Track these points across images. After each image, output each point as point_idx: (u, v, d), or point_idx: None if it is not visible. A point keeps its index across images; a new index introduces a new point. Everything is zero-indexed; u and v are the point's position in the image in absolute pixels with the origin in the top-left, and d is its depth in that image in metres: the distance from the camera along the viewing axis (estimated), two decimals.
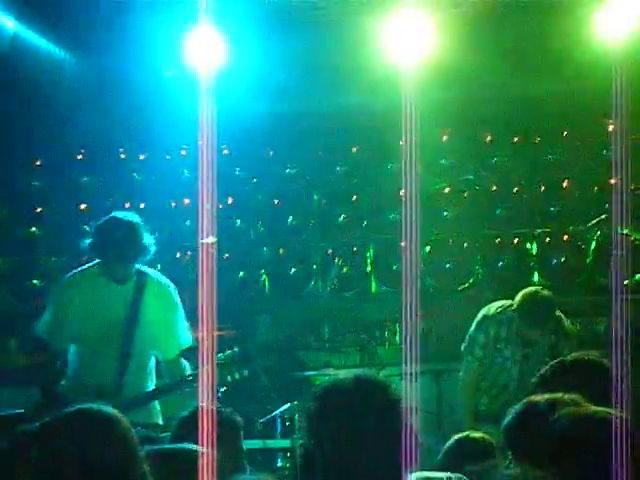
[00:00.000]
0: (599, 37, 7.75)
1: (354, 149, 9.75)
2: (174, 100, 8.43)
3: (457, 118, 9.33)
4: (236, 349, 6.10)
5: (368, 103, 9.11)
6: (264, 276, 9.51)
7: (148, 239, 6.02)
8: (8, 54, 8.19)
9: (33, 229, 9.73)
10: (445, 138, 9.65)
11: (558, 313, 7.00)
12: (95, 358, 5.99)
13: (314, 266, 9.51)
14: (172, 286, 6.23)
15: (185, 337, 6.15)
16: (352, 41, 8.12)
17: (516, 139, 9.69)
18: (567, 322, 7.10)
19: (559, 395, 3.27)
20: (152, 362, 6.12)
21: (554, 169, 9.65)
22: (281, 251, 9.59)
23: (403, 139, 9.58)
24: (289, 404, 7.15)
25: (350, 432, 2.69)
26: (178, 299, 6.17)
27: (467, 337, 7.13)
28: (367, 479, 2.67)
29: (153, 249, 6.04)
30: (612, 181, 9.48)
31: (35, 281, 9.66)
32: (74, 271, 6.30)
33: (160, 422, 6.02)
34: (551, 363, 4.29)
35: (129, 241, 5.94)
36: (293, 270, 9.58)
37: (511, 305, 6.97)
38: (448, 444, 4.41)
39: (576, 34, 8.07)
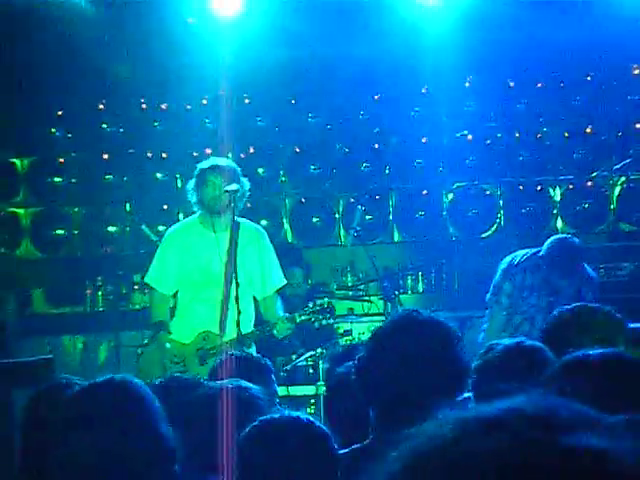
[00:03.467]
0: None
1: (376, 96, 9.68)
2: (196, 48, 8.40)
3: (480, 63, 9.24)
4: (326, 299, 6.59)
5: (390, 48, 9.03)
6: (286, 225, 9.51)
7: (243, 183, 6.44)
8: (30, 4, 8.16)
9: (56, 179, 9.75)
10: (468, 84, 9.57)
11: (583, 258, 6.98)
12: (200, 302, 6.44)
13: (336, 215, 9.50)
14: (263, 230, 6.72)
15: (279, 277, 6.62)
16: None
17: (539, 84, 9.59)
18: (589, 267, 7.08)
19: None
20: (252, 304, 6.48)
21: (578, 114, 9.56)
22: (303, 200, 9.59)
23: (425, 86, 9.56)
24: (312, 352, 7.18)
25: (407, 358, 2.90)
26: (269, 242, 6.62)
27: (492, 286, 7.09)
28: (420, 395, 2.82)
29: (247, 193, 6.48)
30: (638, 125, 9.41)
31: (59, 231, 9.71)
32: (174, 226, 6.83)
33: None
34: (551, 316, 4.28)
35: (220, 170, 6.42)
36: (315, 219, 9.58)
37: (537, 252, 6.93)
38: None
39: None
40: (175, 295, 6.63)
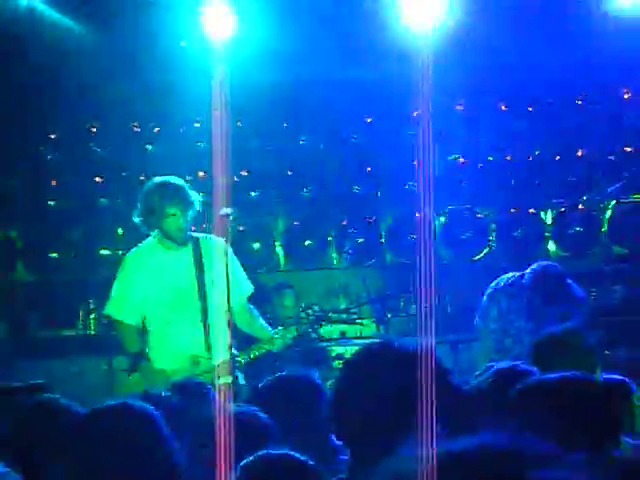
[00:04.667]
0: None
1: (368, 119, 9.72)
2: (188, 71, 8.43)
3: (472, 87, 9.29)
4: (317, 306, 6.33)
5: (383, 72, 9.08)
6: (279, 248, 9.53)
7: (193, 195, 6.24)
8: (22, 26, 8.19)
9: (49, 202, 9.76)
10: (460, 107, 9.61)
11: (569, 281, 7.01)
12: (174, 324, 6.16)
13: (329, 238, 9.52)
14: (222, 241, 6.39)
15: (247, 285, 6.42)
16: (366, 9, 8.08)
17: (531, 108, 9.64)
18: (577, 289, 7.10)
19: None
20: (227, 317, 6.24)
21: (569, 138, 9.61)
22: (296, 223, 9.60)
23: (418, 109, 9.60)
24: None
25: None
26: (231, 251, 6.35)
27: (480, 310, 7.14)
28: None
29: (199, 205, 6.25)
30: (628, 149, 9.47)
31: (53, 254, 9.70)
32: (133, 249, 6.48)
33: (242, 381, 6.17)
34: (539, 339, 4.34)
35: (177, 198, 6.16)
36: (308, 242, 9.60)
37: (521, 276, 6.97)
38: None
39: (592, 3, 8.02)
40: (143, 322, 6.31)
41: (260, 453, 2.87)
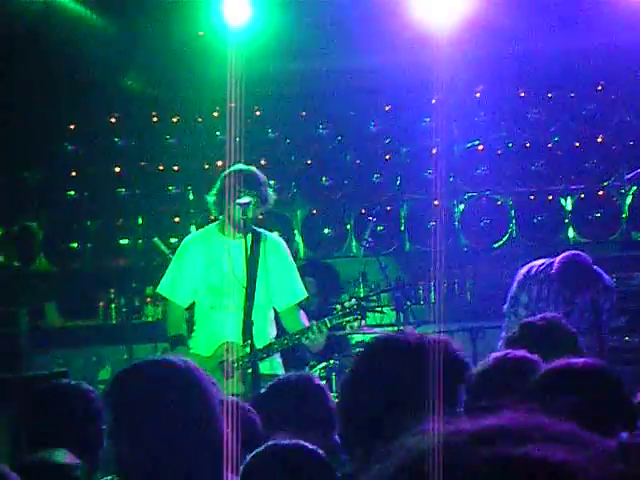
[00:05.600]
0: None
1: (387, 107, 9.71)
2: (206, 61, 8.43)
3: (490, 74, 9.25)
4: (354, 300, 6.30)
5: (401, 60, 9.05)
6: (298, 237, 9.54)
7: (267, 189, 6.27)
8: (41, 18, 8.21)
9: (70, 192, 9.81)
10: (478, 95, 9.58)
11: (597, 269, 6.99)
12: (219, 310, 6.23)
13: (348, 226, 9.52)
14: (284, 242, 6.52)
15: (300, 289, 6.41)
16: None
17: (550, 94, 9.60)
18: (606, 277, 7.08)
19: None
20: (272, 314, 6.32)
21: (588, 124, 9.57)
22: (315, 211, 9.61)
23: (436, 96, 9.59)
24: (325, 363, 7.18)
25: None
26: (290, 255, 6.45)
27: (509, 297, 7.09)
28: None
29: (272, 199, 6.30)
30: None
31: (72, 244, 9.75)
32: (193, 234, 6.62)
33: (281, 373, 6.18)
34: (520, 324, 4.37)
35: (251, 188, 6.15)
36: (327, 230, 9.60)
37: (552, 263, 6.94)
38: None
39: None
40: (191, 307, 6.42)
41: (270, 443, 2.89)
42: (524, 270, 7.07)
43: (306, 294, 6.49)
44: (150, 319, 9.22)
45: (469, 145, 9.53)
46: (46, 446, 3.17)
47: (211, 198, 6.33)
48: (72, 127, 9.81)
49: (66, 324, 9.48)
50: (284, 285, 6.33)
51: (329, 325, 6.13)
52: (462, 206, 9.53)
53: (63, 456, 3.10)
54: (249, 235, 6.18)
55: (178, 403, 2.76)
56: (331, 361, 7.13)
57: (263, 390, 4.06)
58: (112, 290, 9.59)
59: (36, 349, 8.91)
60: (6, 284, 9.41)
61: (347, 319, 6.24)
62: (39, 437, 3.39)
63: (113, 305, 9.53)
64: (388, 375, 2.63)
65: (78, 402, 3.54)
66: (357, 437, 2.67)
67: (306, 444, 2.89)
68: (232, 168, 6.32)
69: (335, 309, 6.23)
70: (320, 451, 2.89)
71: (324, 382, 7.04)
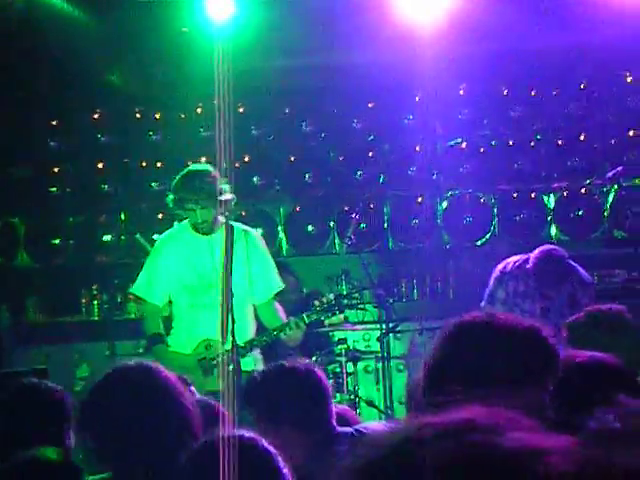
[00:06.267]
0: None
1: (370, 104, 9.71)
2: (190, 57, 8.42)
3: (473, 72, 9.27)
4: (331, 295, 6.40)
5: (384, 57, 9.06)
6: (281, 233, 9.53)
7: (224, 185, 6.22)
8: (24, 14, 8.18)
9: (52, 189, 9.77)
10: (461, 92, 9.60)
11: (573, 264, 7.03)
12: (197, 308, 6.25)
13: (331, 223, 9.53)
14: (257, 233, 6.55)
15: (275, 280, 6.43)
16: None
17: (533, 92, 9.63)
18: (583, 272, 7.12)
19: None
20: (250, 309, 6.32)
21: (571, 122, 9.60)
22: (298, 208, 9.61)
23: (419, 94, 9.60)
24: (308, 360, 7.18)
25: None
26: (264, 245, 6.46)
27: (487, 294, 7.14)
28: None
29: (231, 195, 6.22)
30: (630, 133, 9.45)
31: (54, 241, 9.72)
32: (166, 232, 6.63)
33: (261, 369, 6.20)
34: (580, 315, 4.38)
35: (209, 188, 6.15)
36: (310, 227, 9.60)
37: (527, 259, 6.98)
38: None
39: None
40: (168, 305, 6.47)
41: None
42: (500, 266, 7.13)
43: (282, 285, 6.49)
44: (132, 316, 9.19)
45: (452, 143, 9.54)
46: (14, 447, 3.17)
47: (170, 200, 6.30)
48: (55, 123, 9.77)
49: (48, 320, 9.45)
50: (260, 278, 6.34)
51: (307, 321, 6.15)
52: (445, 203, 9.55)
53: (54, 453, 3.11)
54: (221, 230, 6.17)
55: (154, 405, 2.89)
56: (313, 358, 7.13)
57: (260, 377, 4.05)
58: (94, 286, 9.56)
59: (17, 345, 8.88)
60: None
61: (325, 315, 6.26)
62: (6, 437, 3.40)
63: (95, 301, 9.50)
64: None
65: (44, 402, 3.56)
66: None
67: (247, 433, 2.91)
68: (185, 170, 6.32)
69: (314, 305, 6.24)
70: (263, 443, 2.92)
71: None
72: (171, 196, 6.31)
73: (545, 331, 2.58)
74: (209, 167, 6.34)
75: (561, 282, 6.89)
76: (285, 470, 2.63)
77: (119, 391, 2.97)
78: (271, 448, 2.65)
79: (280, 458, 2.65)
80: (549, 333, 2.59)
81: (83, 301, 9.52)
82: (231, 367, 5.87)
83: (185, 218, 6.44)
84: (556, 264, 6.87)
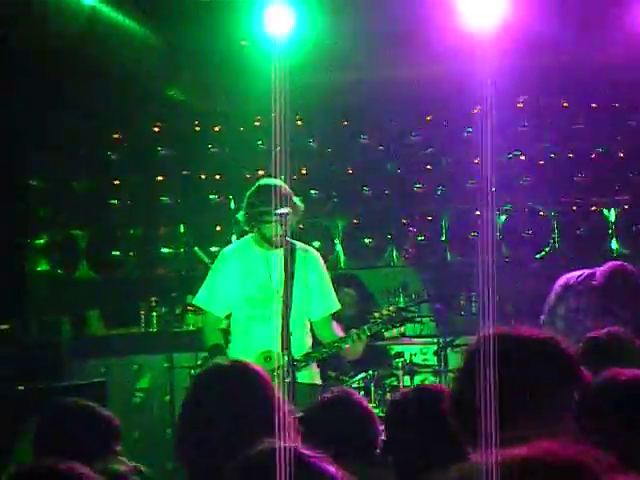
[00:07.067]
0: None
1: (428, 117, 9.68)
2: (248, 70, 8.47)
3: (533, 84, 9.19)
4: (392, 306, 6.40)
5: (443, 70, 9.02)
6: (338, 246, 9.53)
7: (295, 200, 6.28)
8: (87, 30, 8.29)
9: (113, 201, 9.89)
10: (521, 105, 9.52)
11: None
12: (257, 321, 6.30)
13: (389, 236, 9.50)
14: (317, 253, 6.54)
15: (333, 301, 6.46)
16: (427, 7, 8.04)
17: (594, 105, 9.52)
18: None
19: None
20: (308, 324, 6.35)
21: (631, 135, 9.47)
22: (355, 221, 9.60)
23: (478, 107, 9.53)
24: (364, 373, 7.16)
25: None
26: (323, 265, 6.48)
27: (547, 309, 7.01)
28: None
29: (302, 210, 6.32)
30: None
31: (115, 253, 9.82)
32: (230, 245, 6.70)
33: (318, 382, 6.23)
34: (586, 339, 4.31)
35: (284, 201, 6.14)
36: (367, 240, 9.59)
37: (590, 274, 6.84)
38: None
39: None
40: (228, 317, 6.53)
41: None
42: (561, 281, 6.98)
43: (338, 306, 6.50)
44: (191, 327, 9.25)
45: (511, 155, 9.47)
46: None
47: (241, 216, 6.38)
48: (116, 136, 9.89)
49: (107, 332, 9.54)
50: (319, 296, 6.37)
51: (368, 333, 6.14)
52: (504, 217, 9.47)
53: (121, 465, 3.15)
54: (285, 247, 6.20)
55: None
56: (370, 371, 7.10)
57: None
58: (153, 298, 9.64)
59: (77, 357, 8.96)
60: (49, 291, 9.51)
61: (385, 327, 6.24)
62: (52, 453, 3.44)
63: (154, 313, 9.57)
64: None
65: (89, 424, 3.60)
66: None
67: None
68: (257, 183, 6.38)
69: (373, 317, 6.23)
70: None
71: (362, 393, 7.06)
72: (245, 209, 6.35)
73: (564, 342, 2.53)
74: (281, 181, 6.34)
75: (630, 300, 6.73)
76: None
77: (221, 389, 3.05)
78: (332, 467, 2.63)
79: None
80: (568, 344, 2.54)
81: (142, 313, 9.59)
82: (288, 380, 5.88)
83: (247, 233, 6.48)
84: (626, 282, 6.72)
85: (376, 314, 6.27)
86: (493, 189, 9.62)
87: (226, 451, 2.84)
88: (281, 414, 2.94)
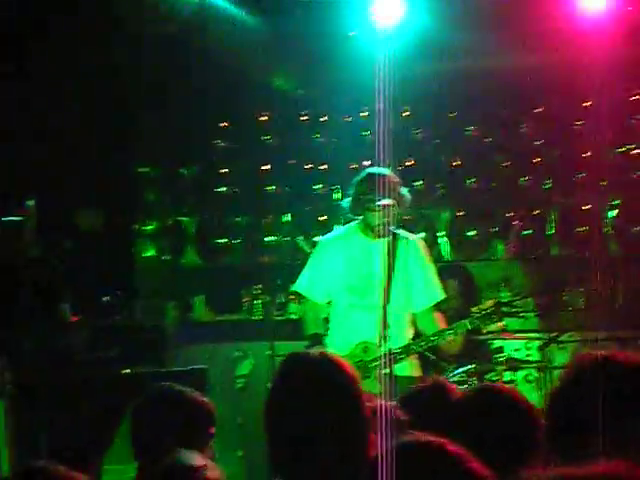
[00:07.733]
0: None
1: (538, 109, 9.51)
2: (355, 60, 8.45)
3: None
4: (491, 301, 6.36)
5: (554, 61, 8.85)
6: (442, 238, 9.46)
7: (403, 191, 6.28)
8: (195, 18, 8.40)
9: (221, 189, 10.01)
10: (633, 98, 9.28)
11: None
12: (358, 309, 6.28)
13: (493, 229, 9.38)
14: (423, 243, 6.51)
15: (436, 291, 6.41)
16: None
17: None
18: None
19: None
20: (408, 316, 6.32)
21: None
22: (460, 213, 9.51)
23: (590, 99, 9.32)
24: (465, 367, 7.08)
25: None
26: (427, 253, 6.43)
27: None
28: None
29: (408, 201, 6.28)
30: None
31: (220, 240, 9.95)
32: (330, 233, 6.77)
33: (418, 375, 6.23)
34: None
35: (393, 190, 6.17)
36: (471, 232, 9.48)
37: None
38: None
39: None
40: (329, 304, 6.49)
41: None
42: None
43: (443, 296, 6.42)
44: (293, 316, 9.30)
45: (623, 149, 9.24)
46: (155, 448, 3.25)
47: (346, 203, 6.36)
48: (224, 125, 10.00)
49: (212, 318, 9.67)
50: (421, 286, 6.31)
51: (469, 327, 6.07)
52: (614, 211, 9.25)
53: (194, 458, 3.19)
54: (389, 236, 6.16)
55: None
56: (471, 366, 7.02)
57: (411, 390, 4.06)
58: (257, 286, 9.71)
59: (182, 343, 9.09)
60: (156, 277, 9.69)
61: (485, 321, 6.16)
62: (147, 438, 3.49)
63: (258, 301, 9.65)
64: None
65: (182, 410, 3.64)
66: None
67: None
68: (365, 172, 6.34)
69: (472, 312, 6.16)
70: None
71: (464, 387, 6.98)
72: (351, 196, 6.34)
73: None
74: (389, 170, 6.28)
75: None
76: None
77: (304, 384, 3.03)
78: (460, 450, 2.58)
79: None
80: None
81: (245, 300, 9.69)
82: (386, 371, 5.87)
83: (351, 220, 6.47)
84: None
85: (476, 308, 6.19)
86: (603, 183, 9.42)
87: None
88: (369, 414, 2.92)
